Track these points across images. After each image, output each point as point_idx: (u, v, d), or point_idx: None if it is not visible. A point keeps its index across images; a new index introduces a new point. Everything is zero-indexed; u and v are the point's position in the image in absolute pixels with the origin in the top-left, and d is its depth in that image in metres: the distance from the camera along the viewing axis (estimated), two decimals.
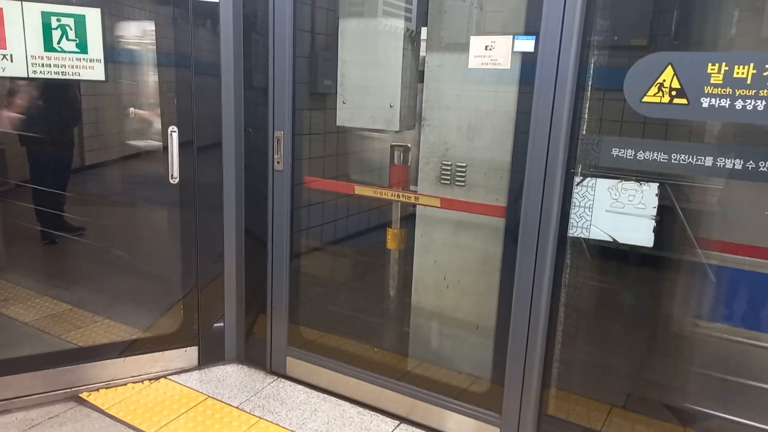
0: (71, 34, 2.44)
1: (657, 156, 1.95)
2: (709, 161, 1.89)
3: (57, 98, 2.74)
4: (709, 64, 1.81)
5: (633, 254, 2.42)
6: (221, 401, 2.73)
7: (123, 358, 2.82)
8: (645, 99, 1.92)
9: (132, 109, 2.88)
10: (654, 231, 2.02)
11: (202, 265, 2.90)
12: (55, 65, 2.44)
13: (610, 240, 2.10)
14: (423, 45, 2.62)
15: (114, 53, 2.61)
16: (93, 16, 2.47)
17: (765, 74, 1.74)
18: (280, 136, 2.71)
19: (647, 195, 2.02)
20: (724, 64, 1.79)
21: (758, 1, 2.06)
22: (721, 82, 1.80)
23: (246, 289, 3.02)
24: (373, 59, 2.66)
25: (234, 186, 2.88)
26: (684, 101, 1.86)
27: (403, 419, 2.64)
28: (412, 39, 2.61)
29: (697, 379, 2.52)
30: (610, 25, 2.03)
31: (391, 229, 2.90)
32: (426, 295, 2.76)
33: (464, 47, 2.35)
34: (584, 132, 2.09)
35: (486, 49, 2.26)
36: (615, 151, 2.02)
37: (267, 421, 2.61)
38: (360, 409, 2.72)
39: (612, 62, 2.06)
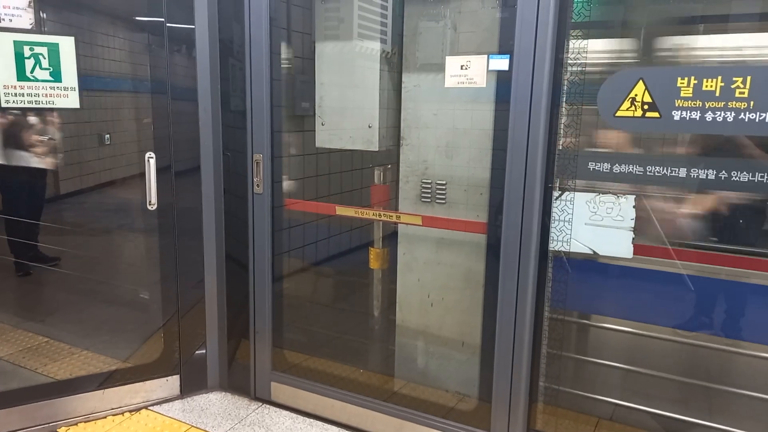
0: (45, 63, 2.42)
1: (632, 168, 1.99)
2: (683, 172, 1.93)
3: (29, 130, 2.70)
4: (679, 78, 1.87)
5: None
6: (205, 430, 2.67)
7: (102, 390, 2.75)
8: (618, 113, 1.97)
9: (107, 136, 2.86)
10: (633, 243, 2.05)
11: (182, 292, 2.86)
12: (28, 94, 2.41)
13: (591, 252, 2.13)
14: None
15: (88, 81, 2.59)
16: (67, 45, 2.46)
17: (732, 87, 1.80)
18: (260, 159, 2.70)
19: (624, 207, 2.06)
20: (693, 77, 1.85)
21: None
22: (691, 95, 1.86)
23: (228, 314, 2.98)
24: (349, 81, 2.68)
25: (213, 210, 2.86)
26: (656, 115, 1.91)
27: None
28: (389, 60, 2.64)
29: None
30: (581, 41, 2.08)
31: (374, 248, 2.90)
32: (410, 314, 2.75)
33: (440, 67, 2.38)
34: (560, 147, 2.12)
35: (461, 68, 2.29)
36: (592, 165, 2.06)
37: None
38: None
39: (585, 78, 2.11)
